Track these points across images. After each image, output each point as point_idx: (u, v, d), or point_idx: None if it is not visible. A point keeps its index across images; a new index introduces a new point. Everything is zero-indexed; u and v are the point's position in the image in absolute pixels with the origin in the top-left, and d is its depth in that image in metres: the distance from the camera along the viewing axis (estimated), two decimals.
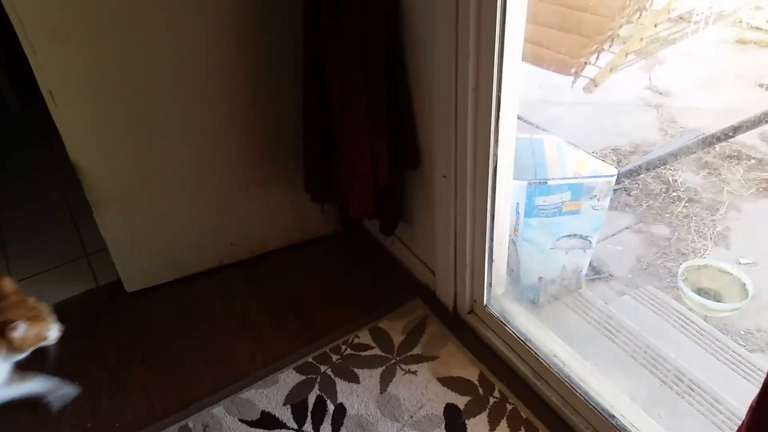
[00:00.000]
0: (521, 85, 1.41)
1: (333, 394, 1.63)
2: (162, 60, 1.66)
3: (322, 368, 1.71)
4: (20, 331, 1.37)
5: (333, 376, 1.68)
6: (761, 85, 3.36)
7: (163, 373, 1.75)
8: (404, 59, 1.58)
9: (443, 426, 1.54)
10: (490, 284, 1.71)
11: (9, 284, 1.44)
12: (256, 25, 1.71)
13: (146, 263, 1.98)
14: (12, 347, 1.38)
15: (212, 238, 2.03)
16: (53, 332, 1.47)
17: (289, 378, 1.69)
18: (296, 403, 1.62)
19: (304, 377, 1.69)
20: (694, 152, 2.78)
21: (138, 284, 2.00)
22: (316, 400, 1.62)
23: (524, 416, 1.55)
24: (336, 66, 1.53)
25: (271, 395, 1.65)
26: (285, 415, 1.59)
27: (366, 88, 1.55)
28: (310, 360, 1.74)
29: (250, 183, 1.96)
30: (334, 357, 1.74)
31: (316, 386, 1.66)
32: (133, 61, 1.64)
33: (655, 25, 2.28)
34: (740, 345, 1.95)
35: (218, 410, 1.61)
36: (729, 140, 2.67)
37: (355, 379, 1.67)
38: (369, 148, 1.62)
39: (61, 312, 1.96)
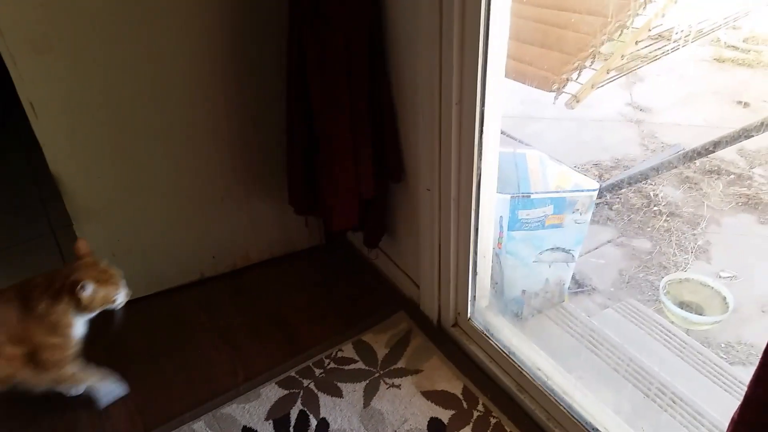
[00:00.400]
0: (504, 100, 1.42)
1: (316, 409, 1.62)
2: (144, 72, 1.65)
3: (305, 382, 1.70)
4: (88, 291, 1.43)
5: (316, 391, 1.67)
6: (739, 102, 3.42)
7: (143, 388, 1.72)
8: (388, 73, 1.59)
9: None
10: (474, 297, 1.71)
11: (84, 246, 1.50)
12: (240, 38, 1.71)
13: (126, 276, 1.94)
14: (80, 306, 1.45)
15: (194, 251, 2.01)
16: (121, 297, 1.53)
17: (271, 393, 1.67)
18: (278, 418, 1.60)
19: (286, 392, 1.67)
20: (675, 167, 2.82)
21: None
22: (298, 414, 1.61)
23: (508, 430, 1.54)
24: (319, 80, 1.54)
25: (252, 410, 1.63)
26: (266, 430, 1.57)
27: (349, 102, 1.55)
28: (293, 374, 1.72)
29: (232, 195, 1.95)
30: (317, 371, 1.73)
31: (299, 401, 1.64)
32: (115, 73, 1.62)
33: (636, 43, 2.32)
34: (721, 358, 1.97)
35: (199, 426, 1.59)
36: (709, 156, 2.72)
37: (338, 394, 1.66)
38: (353, 161, 1.62)
39: None
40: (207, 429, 1.58)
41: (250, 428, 1.58)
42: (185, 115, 1.76)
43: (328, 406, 1.62)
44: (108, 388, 1.66)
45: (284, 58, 1.61)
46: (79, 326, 1.51)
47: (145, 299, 2.00)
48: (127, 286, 1.55)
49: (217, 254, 2.05)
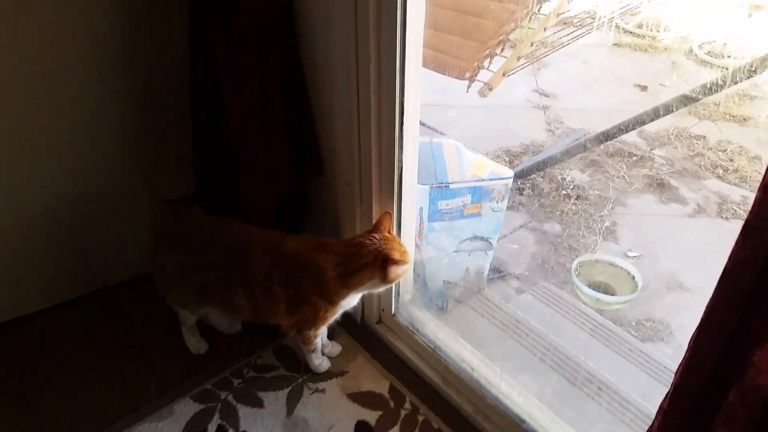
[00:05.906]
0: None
1: (235, 422, 1.53)
2: (29, 63, 1.48)
3: (222, 395, 1.60)
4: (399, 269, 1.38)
5: (234, 403, 1.57)
6: (637, 86, 3.59)
7: (44, 411, 1.56)
8: (302, 64, 1.50)
9: None
10: (398, 292, 1.67)
11: (389, 220, 1.45)
12: (138, 24, 1.57)
13: (15, 290, 1.76)
14: (386, 280, 1.40)
15: (94, 259, 1.85)
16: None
17: (186, 408, 1.56)
18: None
19: (202, 406, 1.57)
20: (581, 151, 2.90)
21: (7, 314, 1.78)
22: (216, 430, 1.51)
23: (436, 426, 1.52)
24: (229, 75, 1.43)
25: (166, 428, 1.51)
26: None
27: (263, 96, 1.45)
28: (209, 387, 1.62)
29: (134, 196, 1.80)
30: (236, 381, 1.63)
31: (216, 415, 1.55)
32: None
33: (545, 29, 2.35)
34: (633, 336, 2.04)
35: None
36: (612, 139, 2.82)
37: (259, 404, 1.57)
38: (268, 157, 1.54)
39: None
40: None
41: None
42: (78, 111, 1.61)
43: (248, 418, 1.54)
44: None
45: (188, 46, 1.49)
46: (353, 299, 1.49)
47: (42, 313, 1.82)
48: None
49: (120, 261, 1.90)
